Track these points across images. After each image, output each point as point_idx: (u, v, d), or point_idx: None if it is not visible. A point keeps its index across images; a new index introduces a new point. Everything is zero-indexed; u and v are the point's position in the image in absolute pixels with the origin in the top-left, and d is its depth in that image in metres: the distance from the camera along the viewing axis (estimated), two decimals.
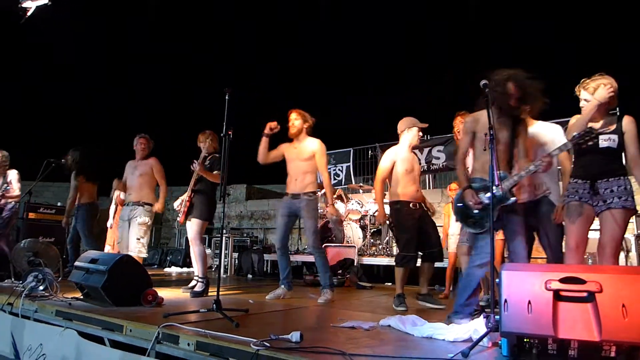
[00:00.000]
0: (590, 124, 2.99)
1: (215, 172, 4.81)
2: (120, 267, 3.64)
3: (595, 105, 2.96)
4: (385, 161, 4.32)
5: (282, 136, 4.70)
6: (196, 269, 4.96)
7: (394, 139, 4.59)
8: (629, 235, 5.39)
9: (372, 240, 7.82)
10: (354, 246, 7.18)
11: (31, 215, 6.96)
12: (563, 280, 2.07)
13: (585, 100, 3.11)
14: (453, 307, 3.17)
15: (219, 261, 4.43)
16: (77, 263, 4.09)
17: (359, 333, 2.78)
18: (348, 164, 11.07)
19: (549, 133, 3.54)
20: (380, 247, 7.76)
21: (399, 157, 4.28)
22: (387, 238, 7.84)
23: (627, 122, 3.00)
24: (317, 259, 4.56)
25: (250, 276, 7.90)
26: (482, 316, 2.57)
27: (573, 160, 3.27)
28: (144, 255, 5.25)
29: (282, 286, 4.59)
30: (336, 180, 10.99)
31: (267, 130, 4.56)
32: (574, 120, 3.10)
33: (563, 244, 3.24)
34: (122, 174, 5.50)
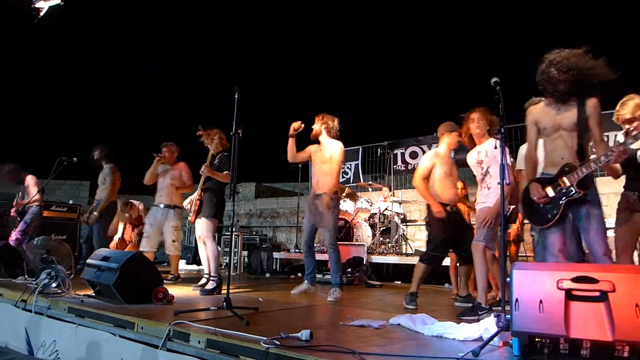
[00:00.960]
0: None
1: (225, 172, 4.86)
2: (131, 265, 3.67)
3: None
4: (426, 161, 4.30)
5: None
6: (206, 267, 5.00)
7: (402, 136, 4.58)
8: None
9: (381, 239, 7.81)
10: (364, 244, 7.17)
11: (44, 213, 7.04)
12: (575, 280, 2.05)
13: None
14: None
15: (229, 259, 4.45)
16: (89, 260, 4.13)
17: (369, 332, 2.78)
18: (357, 162, 11.05)
19: None
20: (389, 245, 7.75)
21: (439, 160, 4.26)
22: (396, 236, 7.83)
23: None
24: (331, 257, 4.67)
25: (268, 274, 7.96)
26: (492, 315, 2.56)
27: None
28: (176, 252, 5.88)
29: (306, 281, 4.81)
30: (345, 179, 10.98)
31: (291, 132, 4.70)
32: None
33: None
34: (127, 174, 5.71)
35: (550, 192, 2.96)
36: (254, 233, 10.16)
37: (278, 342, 2.24)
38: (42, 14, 5.12)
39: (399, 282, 7.06)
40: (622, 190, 3.45)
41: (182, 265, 9.52)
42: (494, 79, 2.83)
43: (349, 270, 6.63)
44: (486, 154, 3.81)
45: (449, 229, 4.14)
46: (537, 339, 2.07)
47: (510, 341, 2.21)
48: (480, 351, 2.16)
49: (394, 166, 10.27)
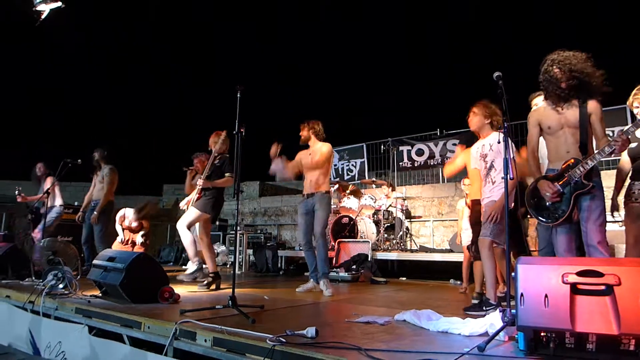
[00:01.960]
0: None
1: (226, 175, 5.00)
2: (137, 265, 3.68)
3: None
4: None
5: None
6: (191, 254, 5.07)
7: (406, 133, 4.59)
8: None
9: (385, 235, 7.80)
10: (368, 241, 7.17)
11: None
12: (580, 274, 2.05)
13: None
14: None
15: (234, 258, 4.46)
16: (95, 261, 4.15)
17: (374, 328, 2.78)
18: (362, 159, 11.07)
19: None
20: (394, 241, 7.74)
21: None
22: (400, 233, 7.82)
23: None
24: (318, 248, 4.79)
25: (282, 272, 7.98)
26: (498, 310, 2.56)
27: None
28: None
29: (312, 280, 4.86)
30: (350, 176, 11.01)
31: (272, 156, 4.92)
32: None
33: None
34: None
35: (558, 187, 2.96)
36: (259, 231, 10.18)
37: (284, 340, 2.25)
38: (43, 16, 5.14)
39: (404, 279, 7.06)
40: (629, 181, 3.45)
41: (189, 265, 9.56)
42: (496, 74, 2.82)
43: (354, 267, 6.64)
44: (490, 147, 3.76)
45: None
46: (542, 333, 2.07)
47: (516, 336, 2.21)
48: (485, 346, 2.16)
49: (400, 163, 10.30)
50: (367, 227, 7.79)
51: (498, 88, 2.84)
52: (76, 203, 8.11)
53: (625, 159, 3.64)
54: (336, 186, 8.56)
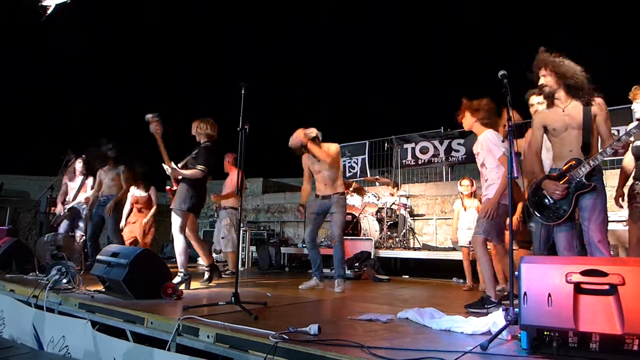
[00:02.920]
0: None
1: (198, 166, 4.57)
2: (140, 260, 3.70)
3: None
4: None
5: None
6: (179, 262, 4.67)
7: (409, 130, 4.60)
8: None
9: (388, 233, 7.80)
10: (371, 239, 7.17)
11: (53, 209, 7.09)
12: (584, 273, 2.04)
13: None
14: None
15: (237, 254, 4.47)
16: (98, 257, 4.16)
17: (377, 326, 2.78)
18: (363, 156, 11.04)
19: None
20: (397, 239, 7.74)
21: None
22: (403, 230, 7.81)
23: None
24: (336, 250, 4.78)
25: (287, 269, 8.00)
26: (501, 309, 2.55)
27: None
28: (229, 250, 6.50)
29: (315, 277, 4.87)
30: (351, 173, 10.99)
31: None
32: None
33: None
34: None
35: (563, 186, 2.99)
36: (262, 228, 10.19)
37: (286, 337, 2.25)
38: (49, 12, 5.15)
39: (407, 277, 7.06)
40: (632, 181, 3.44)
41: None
42: (501, 72, 2.81)
43: (357, 264, 6.64)
44: (481, 145, 3.78)
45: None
46: (545, 333, 2.06)
47: (519, 335, 2.20)
48: (488, 345, 2.16)
49: (404, 160, 10.29)
50: (370, 225, 7.79)
51: (502, 87, 2.84)
52: None
53: (628, 158, 3.64)
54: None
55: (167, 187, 5.09)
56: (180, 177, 4.64)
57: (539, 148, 3.26)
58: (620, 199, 3.75)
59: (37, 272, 4.91)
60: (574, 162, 2.97)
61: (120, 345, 2.85)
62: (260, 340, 2.27)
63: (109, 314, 3.18)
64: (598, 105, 2.99)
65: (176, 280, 4.55)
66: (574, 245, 3.02)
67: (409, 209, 8.40)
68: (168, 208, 5.46)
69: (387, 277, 6.37)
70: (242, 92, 3.61)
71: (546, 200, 3.06)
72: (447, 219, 8.89)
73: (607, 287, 1.99)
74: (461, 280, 5.93)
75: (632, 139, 2.96)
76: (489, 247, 5.19)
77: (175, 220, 4.60)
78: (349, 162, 11.14)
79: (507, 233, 4.29)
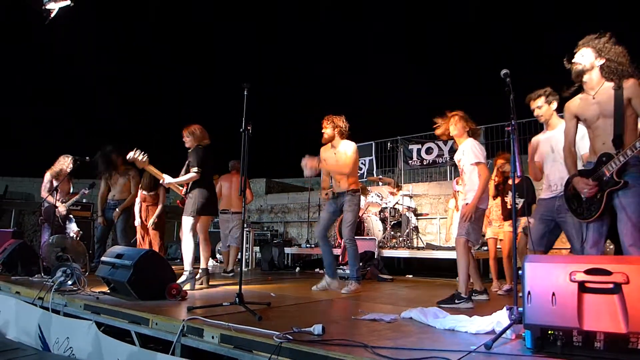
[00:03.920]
0: None
1: (192, 169, 4.69)
2: (145, 262, 3.71)
3: None
4: None
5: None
6: (185, 262, 4.79)
7: (415, 131, 4.61)
8: None
9: (392, 233, 7.79)
10: (374, 239, 7.17)
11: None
12: (588, 272, 2.04)
13: None
14: None
15: (241, 255, 4.47)
16: (103, 258, 4.18)
17: (381, 325, 2.78)
18: (371, 157, 11.13)
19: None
20: (400, 239, 7.73)
21: None
22: (407, 230, 7.81)
23: None
24: (349, 251, 4.75)
25: (297, 269, 8.00)
26: (505, 308, 2.55)
27: None
28: (235, 244, 6.71)
29: (327, 276, 4.81)
30: (359, 173, 11.07)
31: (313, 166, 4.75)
32: None
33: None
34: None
35: (594, 183, 2.82)
36: (265, 229, 10.20)
37: (291, 337, 2.26)
38: (52, 15, 5.17)
39: (411, 276, 7.06)
40: None
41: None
42: (503, 71, 2.79)
43: (360, 264, 6.63)
44: (463, 152, 3.96)
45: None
46: (550, 332, 2.06)
47: (523, 334, 2.20)
48: (492, 344, 2.16)
49: (410, 161, 10.35)
50: (373, 225, 7.79)
51: (505, 85, 2.83)
52: (84, 200, 8.16)
53: None
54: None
55: (178, 201, 5.19)
56: (183, 186, 4.84)
57: (572, 141, 3.05)
58: None
59: (43, 274, 4.93)
60: (604, 158, 2.77)
61: (124, 348, 2.86)
62: (264, 341, 2.28)
63: (114, 315, 3.19)
64: (630, 87, 2.70)
65: (181, 279, 4.60)
66: (601, 245, 2.87)
67: (412, 209, 8.40)
68: (171, 209, 5.46)
69: (390, 277, 6.37)
70: (245, 93, 3.61)
71: (578, 197, 2.92)
72: None
73: (611, 285, 1.99)
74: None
75: None
76: (490, 247, 5.24)
77: (186, 223, 4.74)
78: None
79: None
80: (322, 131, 4.82)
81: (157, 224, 6.47)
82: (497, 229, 5.15)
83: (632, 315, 1.89)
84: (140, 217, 6.47)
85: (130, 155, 4.70)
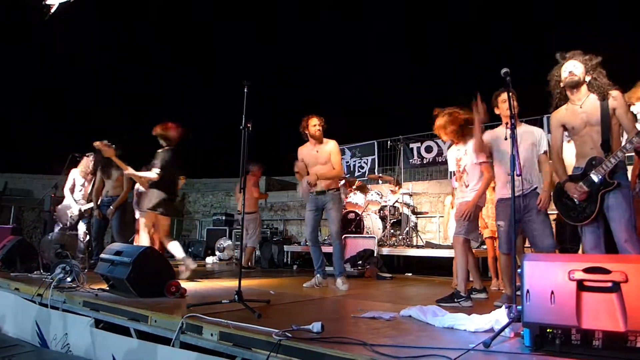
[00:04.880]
0: None
1: (153, 169, 4.89)
2: (144, 259, 3.71)
3: None
4: None
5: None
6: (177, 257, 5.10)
7: (416, 131, 4.60)
8: None
9: (391, 231, 7.80)
10: (374, 237, 7.17)
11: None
12: (587, 270, 2.04)
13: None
14: None
15: (240, 252, 4.49)
16: (102, 255, 4.18)
17: (380, 323, 2.79)
18: (373, 156, 11.18)
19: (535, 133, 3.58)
20: (400, 237, 7.74)
21: None
22: (407, 228, 7.81)
23: None
24: (335, 248, 4.79)
25: (295, 267, 8.01)
26: (504, 307, 2.56)
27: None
28: (251, 245, 7.60)
29: (318, 275, 4.83)
30: (360, 172, 11.17)
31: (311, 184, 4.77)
32: None
33: None
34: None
35: (585, 187, 2.95)
36: (265, 226, 10.19)
37: (290, 335, 2.25)
38: (52, 10, 5.16)
39: (410, 274, 7.07)
40: None
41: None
42: (503, 70, 2.82)
43: (360, 262, 6.65)
44: (465, 152, 3.95)
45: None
46: (548, 330, 2.06)
47: (522, 332, 2.20)
48: (491, 342, 2.16)
49: (410, 160, 10.39)
50: (373, 223, 7.79)
51: (505, 84, 2.84)
52: None
53: None
54: (342, 182, 8.56)
55: None
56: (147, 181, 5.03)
57: (559, 148, 3.21)
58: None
59: (42, 271, 4.93)
60: (594, 161, 2.93)
61: (123, 341, 2.87)
62: (263, 338, 2.28)
63: (113, 312, 3.19)
64: (615, 98, 2.92)
65: (184, 275, 4.67)
66: (601, 245, 2.96)
67: (411, 208, 8.40)
68: None
69: (390, 275, 6.37)
70: (245, 90, 3.61)
71: (571, 202, 3.03)
72: None
73: (610, 284, 1.99)
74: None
75: None
76: (488, 247, 5.23)
77: (141, 220, 4.99)
78: (359, 162, 11.29)
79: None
80: (317, 129, 4.79)
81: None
82: (495, 228, 5.14)
83: (631, 314, 1.90)
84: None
85: (97, 143, 4.79)
